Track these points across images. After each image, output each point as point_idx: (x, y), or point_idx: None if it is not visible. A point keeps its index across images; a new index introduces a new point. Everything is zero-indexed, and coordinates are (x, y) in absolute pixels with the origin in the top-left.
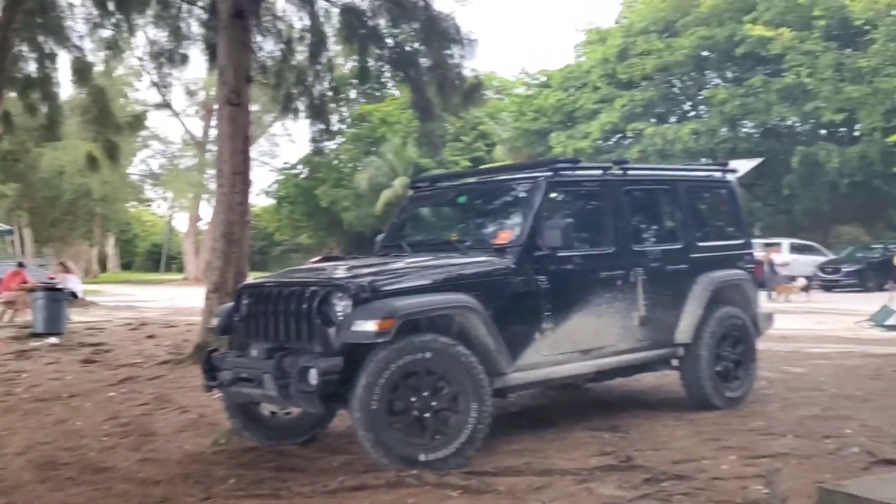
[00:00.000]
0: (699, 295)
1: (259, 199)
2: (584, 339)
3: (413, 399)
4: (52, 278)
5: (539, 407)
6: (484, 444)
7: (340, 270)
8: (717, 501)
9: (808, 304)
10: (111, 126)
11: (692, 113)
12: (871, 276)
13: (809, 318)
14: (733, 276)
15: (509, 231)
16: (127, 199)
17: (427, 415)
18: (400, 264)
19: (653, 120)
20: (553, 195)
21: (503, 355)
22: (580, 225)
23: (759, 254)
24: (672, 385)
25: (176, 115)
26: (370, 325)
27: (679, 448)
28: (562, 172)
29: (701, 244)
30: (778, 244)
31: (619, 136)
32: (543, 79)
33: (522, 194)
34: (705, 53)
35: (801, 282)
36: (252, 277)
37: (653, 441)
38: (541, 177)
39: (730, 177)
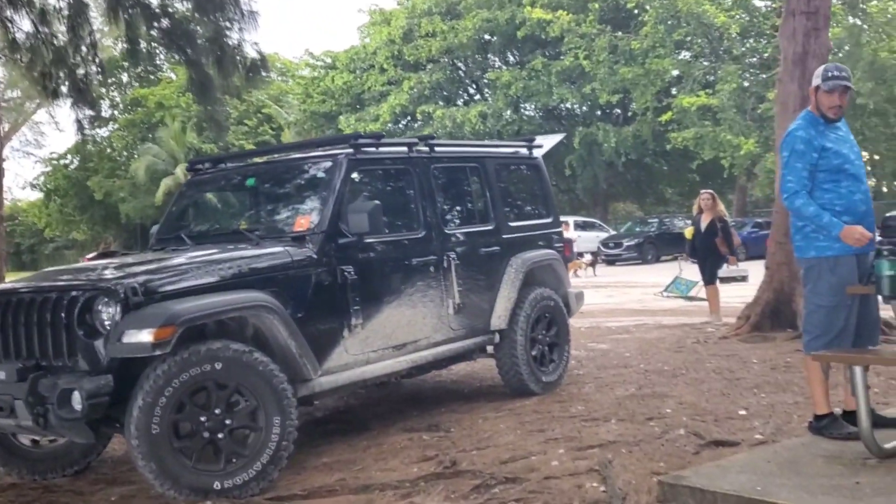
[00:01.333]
0: (513, 278)
1: (25, 193)
2: (397, 334)
3: (203, 419)
4: None
5: (348, 409)
6: (289, 461)
7: (108, 270)
8: None
9: (596, 279)
10: None
11: (478, 96)
12: (650, 250)
13: (599, 293)
14: (545, 257)
15: (308, 216)
16: None
17: (220, 436)
18: (180, 260)
19: (441, 102)
20: (355, 175)
21: (308, 359)
22: (387, 208)
23: None
24: (485, 372)
25: None
26: (145, 336)
27: (504, 444)
28: (364, 149)
29: (512, 224)
30: (564, 222)
31: (408, 118)
32: (329, 60)
33: (321, 174)
34: (488, 36)
35: (588, 258)
36: (10, 280)
37: (476, 439)
38: (340, 154)
39: (536, 152)
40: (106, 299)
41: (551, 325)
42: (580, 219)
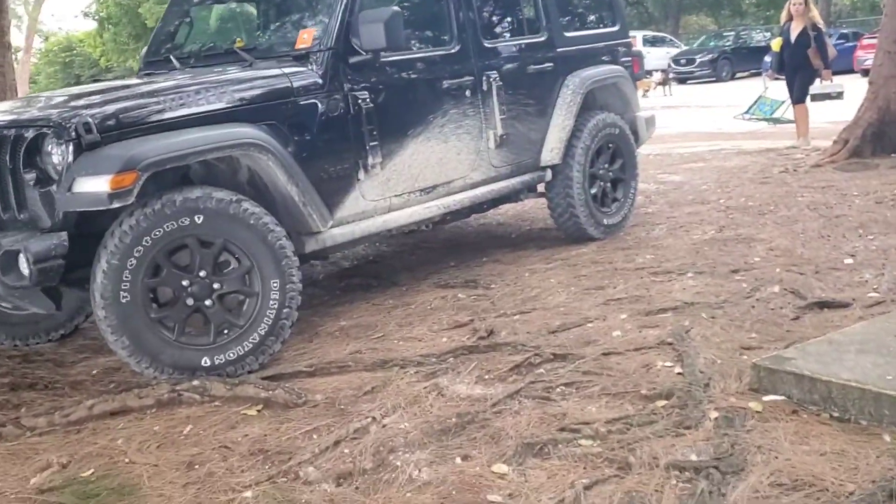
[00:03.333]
0: (569, 101)
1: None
2: (426, 174)
3: (185, 283)
4: None
5: (377, 258)
6: (300, 326)
7: (65, 100)
8: (613, 394)
9: (667, 100)
10: None
11: None
12: (724, 66)
13: (670, 114)
14: (609, 74)
15: (311, 30)
16: None
17: (208, 303)
18: (157, 86)
19: None
20: None
21: (315, 207)
22: (411, 16)
23: None
24: (536, 212)
25: None
26: (100, 184)
27: (554, 307)
28: None
29: (569, 35)
30: (631, 37)
31: None
32: None
33: None
34: None
35: (658, 76)
36: None
37: (520, 298)
38: None
39: None
40: (55, 138)
41: (615, 157)
42: (649, 33)
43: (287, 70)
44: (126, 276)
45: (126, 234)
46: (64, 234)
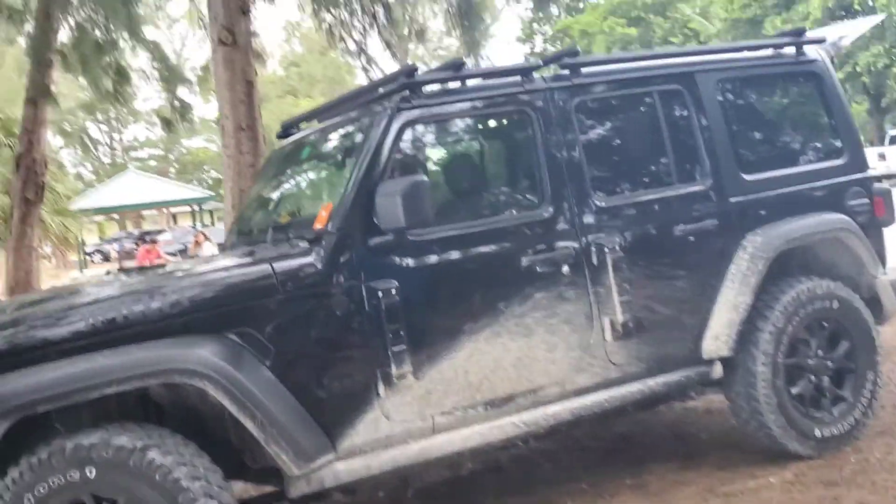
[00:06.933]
0: (745, 270)
1: None
2: (494, 382)
3: None
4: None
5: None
6: None
7: None
8: None
9: None
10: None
11: None
12: None
13: None
14: (818, 228)
15: (329, 206)
16: None
17: None
18: (83, 292)
19: None
20: (410, 136)
21: (290, 442)
22: (481, 176)
23: None
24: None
25: None
26: None
27: None
28: (424, 92)
29: (749, 177)
30: None
31: (845, 12)
32: None
33: (359, 139)
34: None
35: None
36: None
37: None
38: (382, 106)
39: (813, 54)
40: None
41: (836, 339)
42: None
43: (276, 262)
44: None
45: (7, 489)
46: None
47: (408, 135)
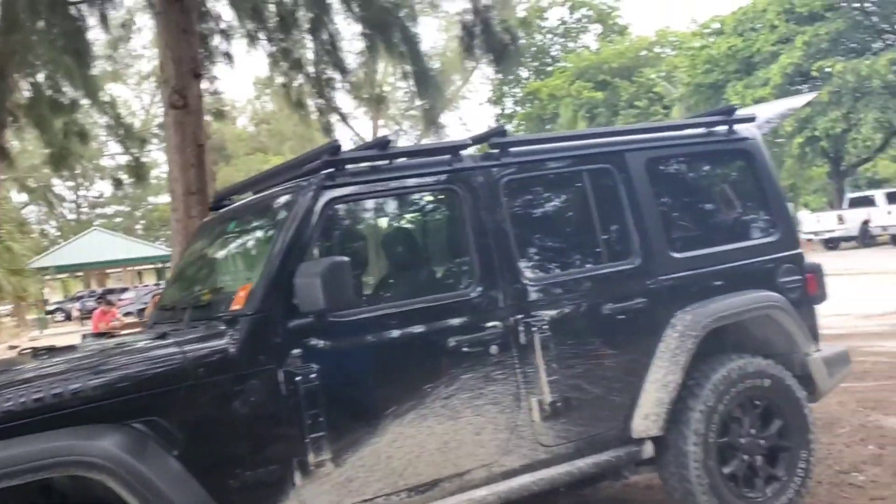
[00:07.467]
0: (674, 348)
1: None
2: (418, 466)
3: None
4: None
5: None
6: None
7: None
8: None
9: None
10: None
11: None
12: None
13: None
14: (749, 305)
15: (248, 286)
16: None
17: None
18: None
19: (841, 56)
20: (333, 215)
21: None
22: (406, 257)
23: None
24: None
25: None
26: None
27: None
28: (348, 169)
29: (679, 255)
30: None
31: (803, 78)
32: (717, 25)
33: (282, 216)
34: None
35: None
36: None
37: None
38: (305, 185)
39: (745, 132)
40: None
41: (768, 418)
42: None
43: (187, 347)
44: None
45: None
46: None
47: (331, 213)
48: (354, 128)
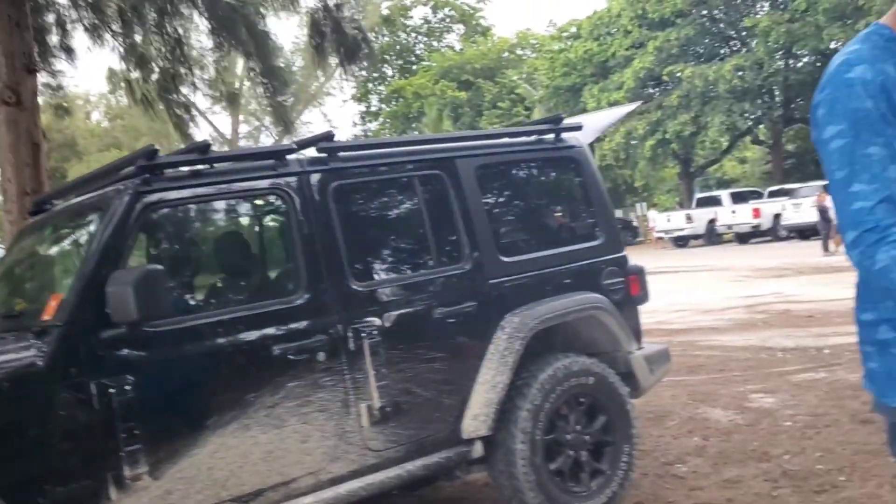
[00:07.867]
0: (503, 349)
1: None
2: (242, 476)
3: None
4: None
5: None
6: None
7: None
8: None
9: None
10: None
11: (739, 46)
12: None
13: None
14: (574, 307)
15: (60, 296)
16: None
17: None
18: None
19: (692, 61)
20: (147, 223)
21: None
22: (227, 262)
23: (810, 199)
24: None
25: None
26: None
27: None
28: (167, 174)
29: (508, 259)
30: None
31: (655, 82)
32: (574, 30)
33: (94, 224)
34: None
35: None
36: None
37: None
38: (120, 190)
39: (571, 140)
40: None
41: (593, 414)
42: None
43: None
44: None
45: None
46: None
47: (148, 219)
48: (214, 123)
